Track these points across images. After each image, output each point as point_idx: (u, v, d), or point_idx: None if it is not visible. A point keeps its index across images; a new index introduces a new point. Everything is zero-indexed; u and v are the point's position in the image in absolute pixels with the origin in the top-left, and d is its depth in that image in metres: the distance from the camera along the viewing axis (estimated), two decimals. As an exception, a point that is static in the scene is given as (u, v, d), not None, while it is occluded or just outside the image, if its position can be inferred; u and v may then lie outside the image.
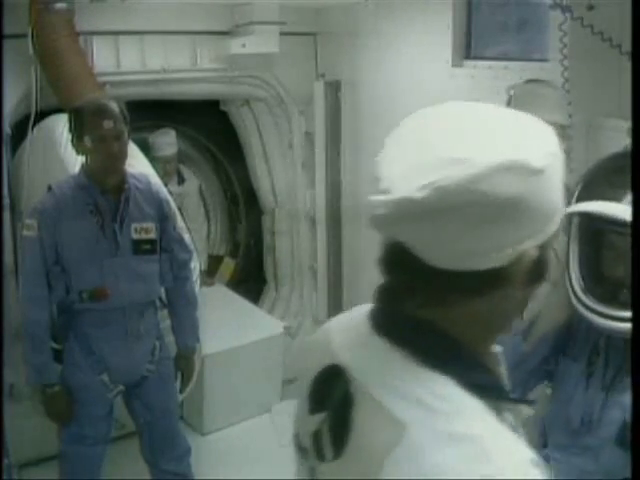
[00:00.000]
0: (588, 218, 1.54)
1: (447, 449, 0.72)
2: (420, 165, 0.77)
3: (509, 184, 0.74)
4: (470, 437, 0.73)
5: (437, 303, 0.82)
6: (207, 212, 5.24)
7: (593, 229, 1.55)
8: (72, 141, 2.43)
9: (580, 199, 1.56)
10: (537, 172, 0.75)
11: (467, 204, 0.74)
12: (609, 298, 1.50)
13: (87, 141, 2.35)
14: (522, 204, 0.75)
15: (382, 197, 0.78)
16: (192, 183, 4.74)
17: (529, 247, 0.78)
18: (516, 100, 2.20)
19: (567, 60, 2.24)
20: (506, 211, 0.74)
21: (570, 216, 1.56)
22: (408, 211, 0.75)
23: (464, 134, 0.79)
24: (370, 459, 0.77)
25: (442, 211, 0.74)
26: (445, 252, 0.77)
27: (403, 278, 0.85)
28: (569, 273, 1.57)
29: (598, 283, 1.54)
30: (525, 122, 0.83)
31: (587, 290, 1.53)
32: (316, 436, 0.87)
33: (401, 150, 0.83)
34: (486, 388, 0.80)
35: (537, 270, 0.81)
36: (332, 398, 0.85)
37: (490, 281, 0.79)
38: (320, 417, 0.87)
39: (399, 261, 0.83)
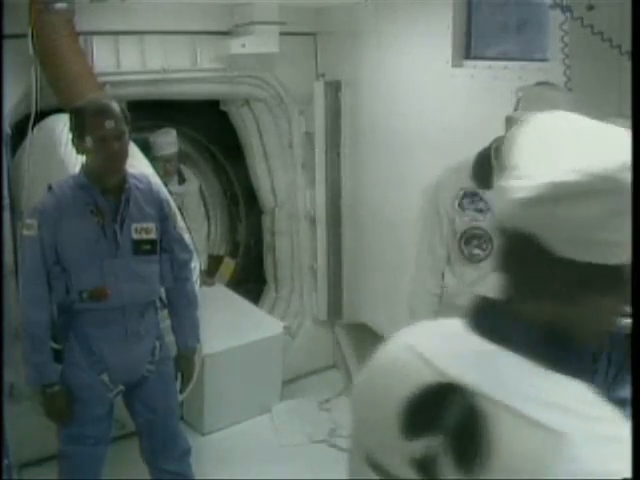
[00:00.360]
0: None
1: (606, 453, 0.72)
2: (560, 157, 0.78)
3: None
4: (620, 439, 0.73)
5: (563, 301, 0.80)
6: (207, 212, 5.24)
7: None
8: (73, 141, 2.43)
9: None
10: None
11: (612, 191, 0.75)
12: None
13: (88, 141, 2.35)
14: None
15: (520, 182, 0.78)
16: (192, 183, 4.74)
17: None
18: (524, 102, 2.19)
19: (568, 59, 2.24)
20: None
21: None
22: (552, 195, 0.75)
23: (585, 143, 0.80)
24: (521, 471, 0.75)
25: (588, 196, 0.75)
26: (581, 241, 0.77)
27: (529, 274, 0.82)
28: None
29: None
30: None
31: None
32: (424, 461, 0.82)
33: (534, 148, 0.83)
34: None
35: None
36: (449, 418, 0.81)
37: (615, 277, 0.79)
38: (427, 441, 0.82)
39: (526, 255, 0.80)
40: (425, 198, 2.41)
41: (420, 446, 0.83)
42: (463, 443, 0.80)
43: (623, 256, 0.77)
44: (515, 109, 2.22)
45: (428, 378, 0.85)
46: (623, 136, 0.82)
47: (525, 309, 0.82)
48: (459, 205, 2.28)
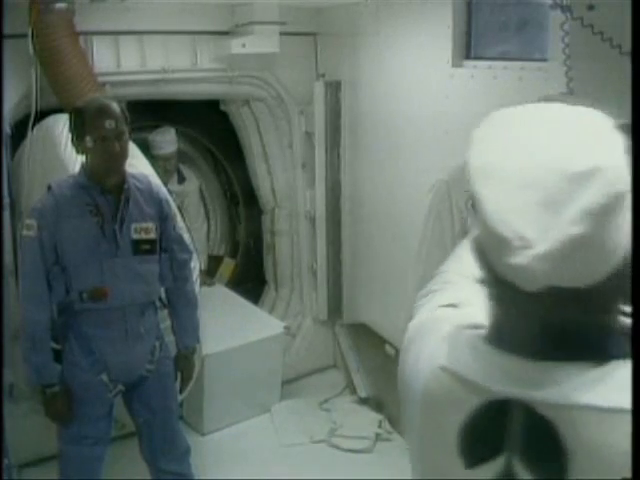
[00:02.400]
0: None
1: None
2: (540, 196, 0.73)
3: (627, 171, 0.74)
4: None
5: (597, 311, 0.80)
6: (207, 212, 5.25)
7: None
8: (73, 140, 2.43)
9: None
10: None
11: (619, 211, 0.72)
12: None
13: (88, 141, 2.35)
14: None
15: (530, 252, 0.72)
16: (192, 182, 4.74)
17: None
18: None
19: (570, 60, 2.24)
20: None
21: None
22: (569, 252, 0.71)
23: (556, 146, 0.76)
24: (611, 460, 0.74)
25: (603, 231, 0.71)
26: (598, 268, 0.74)
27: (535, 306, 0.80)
28: None
29: None
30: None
31: None
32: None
33: (506, 188, 0.76)
34: None
35: None
36: (513, 435, 0.80)
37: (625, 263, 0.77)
38: (495, 464, 0.81)
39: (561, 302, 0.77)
40: (437, 194, 2.37)
41: (486, 471, 0.82)
42: (538, 457, 0.79)
43: (627, 248, 0.76)
44: None
45: (473, 400, 0.83)
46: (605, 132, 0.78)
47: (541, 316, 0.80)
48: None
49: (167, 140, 4.39)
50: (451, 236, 2.33)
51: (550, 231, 0.71)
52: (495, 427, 0.81)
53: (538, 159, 0.75)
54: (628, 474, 0.72)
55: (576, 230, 0.70)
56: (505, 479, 0.81)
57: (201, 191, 4.99)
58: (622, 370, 0.77)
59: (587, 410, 0.76)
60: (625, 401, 0.74)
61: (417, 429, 0.93)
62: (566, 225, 0.70)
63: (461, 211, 2.30)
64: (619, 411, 0.74)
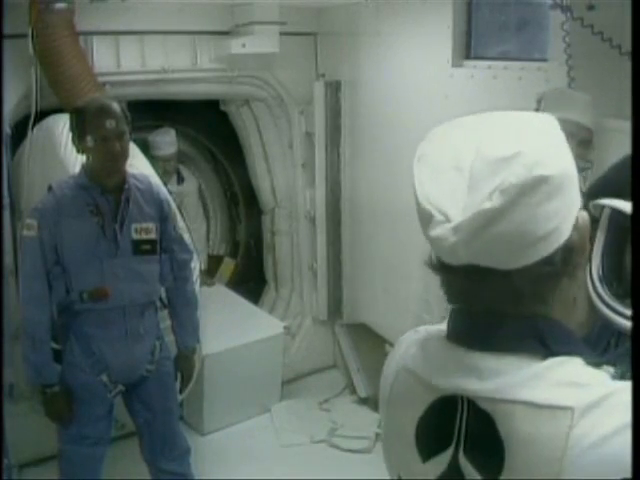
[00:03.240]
0: (622, 215, 1.54)
1: (601, 415, 0.75)
2: (463, 182, 0.78)
3: (557, 161, 0.78)
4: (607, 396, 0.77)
5: (528, 299, 0.82)
6: (207, 212, 5.25)
7: (624, 226, 1.54)
8: (73, 140, 2.43)
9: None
10: (567, 148, 0.81)
11: (534, 193, 0.75)
12: (624, 295, 1.49)
13: (89, 141, 2.35)
14: (569, 176, 0.79)
15: (447, 225, 0.78)
16: (191, 183, 4.74)
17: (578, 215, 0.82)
18: (546, 102, 2.20)
19: (570, 60, 2.24)
20: (563, 184, 0.77)
21: (602, 207, 1.55)
22: (480, 226, 0.75)
23: (489, 138, 0.81)
24: (541, 456, 0.77)
25: (515, 210, 0.75)
26: (520, 252, 0.77)
27: (481, 290, 0.83)
28: (590, 262, 1.56)
29: (616, 278, 1.53)
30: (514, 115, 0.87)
31: (604, 281, 1.52)
32: (450, 472, 0.85)
33: (436, 174, 0.84)
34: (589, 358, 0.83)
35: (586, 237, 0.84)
36: (457, 429, 0.84)
37: (564, 256, 0.80)
38: (442, 458, 0.85)
39: (474, 276, 0.81)
40: None
41: (437, 464, 0.85)
42: (479, 450, 0.82)
43: (560, 239, 0.78)
44: (536, 108, 2.22)
45: (427, 397, 0.87)
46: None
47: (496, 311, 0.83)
48: None
49: (167, 141, 4.39)
50: None
51: (468, 208, 0.77)
52: (445, 422, 0.85)
53: (468, 149, 0.81)
54: (559, 469, 0.75)
55: (487, 205, 0.75)
56: (452, 471, 0.84)
57: (200, 191, 4.99)
58: (561, 367, 0.80)
59: (523, 405, 0.78)
60: (559, 398, 0.77)
61: (383, 427, 1.00)
62: (480, 201, 0.75)
63: None
64: (553, 407, 0.77)
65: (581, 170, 2.15)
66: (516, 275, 0.79)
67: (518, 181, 0.74)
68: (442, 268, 0.83)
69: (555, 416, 0.76)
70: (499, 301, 0.82)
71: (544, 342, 0.82)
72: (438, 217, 0.79)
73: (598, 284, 1.52)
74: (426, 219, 0.81)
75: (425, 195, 0.83)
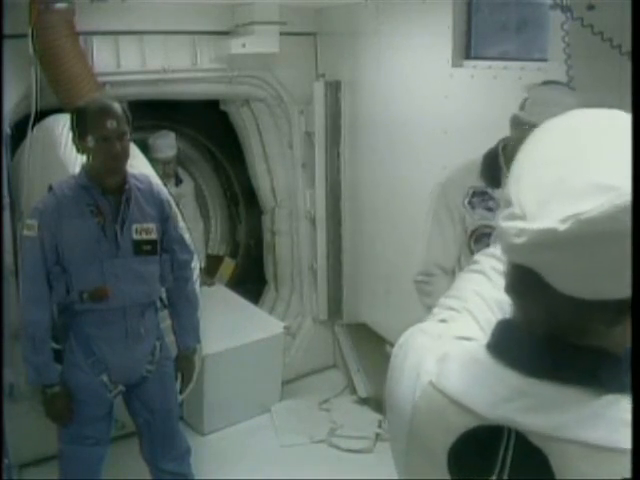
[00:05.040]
0: None
1: None
2: (559, 191, 0.73)
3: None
4: None
5: (598, 332, 0.77)
6: (207, 212, 5.25)
7: None
8: (74, 140, 2.43)
9: None
10: None
11: (613, 235, 0.70)
12: None
13: (89, 141, 2.34)
14: None
15: (520, 224, 0.74)
16: (188, 184, 4.75)
17: None
18: (531, 103, 2.15)
19: (570, 60, 2.24)
20: None
21: None
22: (547, 242, 0.72)
23: (598, 154, 0.75)
24: None
25: (585, 242, 0.70)
26: (584, 281, 0.73)
27: (536, 304, 0.79)
28: None
29: None
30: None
31: None
32: None
33: (534, 171, 0.78)
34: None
35: None
36: (501, 463, 0.79)
37: (621, 308, 0.74)
38: None
39: (532, 286, 0.77)
40: (433, 197, 2.39)
41: None
42: None
43: (624, 291, 0.73)
44: (521, 108, 2.20)
45: (464, 421, 0.81)
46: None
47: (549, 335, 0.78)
48: (469, 203, 2.26)
49: (167, 144, 4.39)
50: (452, 236, 2.32)
51: (545, 218, 0.72)
52: (485, 450, 0.80)
53: (577, 156, 0.76)
54: None
55: (559, 227, 0.71)
56: None
57: (196, 192, 5.00)
58: (617, 406, 0.76)
59: (581, 445, 0.74)
60: (619, 440, 0.73)
61: (403, 443, 0.91)
62: (556, 220, 0.71)
63: (459, 210, 2.29)
64: (611, 450, 0.73)
65: None
66: (592, 307, 0.74)
67: (597, 215, 0.69)
68: (519, 284, 0.79)
69: (615, 458, 0.72)
70: (566, 328, 0.77)
71: (603, 377, 0.77)
72: (516, 210, 0.75)
73: None
74: (506, 204, 0.78)
75: (516, 182, 0.79)
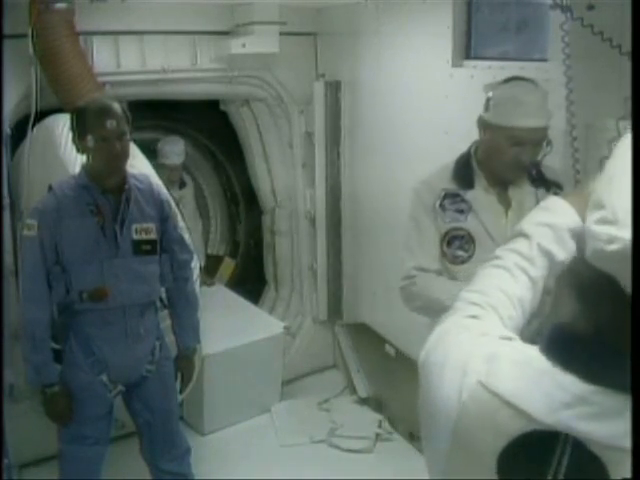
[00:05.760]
0: None
1: None
2: None
3: None
4: None
5: None
6: (207, 212, 5.25)
7: None
8: (74, 140, 2.43)
9: None
10: None
11: None
12: None
13: (89, 141, 2.35)
14: None
15: (612, 230, 0.71)
16: (189, 186, 4.76)
17: None
18: (494, 103, 2.15)
19: (569, 59, 2.23)
20: None
21: None
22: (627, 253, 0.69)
23: None
24: None
25: None
26: None
27: (608, 310, 0.77)
28: None
29: None
30: None
31: None
32: None
33: (627, 174, 0.74)
34: None
35: None
36: (559, 466, 0.77)
37: None
38: None
39: (606, 297, 0.75)
40: (410, 202, 2.38)
41: None
42: None
43: None
44: (485, 109, 2.20)
45: (517, 425, 0.79)
46: None
47: (614, 342, 0.76)
48: (440, 206, 2.25)
49: (175, 151, 4.40)
50: (431, 236, 2.28)
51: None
52: (538, 455, 0.78)
53: None
54: None
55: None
56: None
57: (195, 191, 5.00)
58: None
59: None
60: None
61: (446, 444, 0.88)
62: None
63: (433, 213, 2.27)
64: None
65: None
66: None
67: None
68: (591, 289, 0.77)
69: None
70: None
71: None
72: (608, 214, 0.73)
73: None
74: (595, 207, 0.75)
75: (608, 183, 0.76)
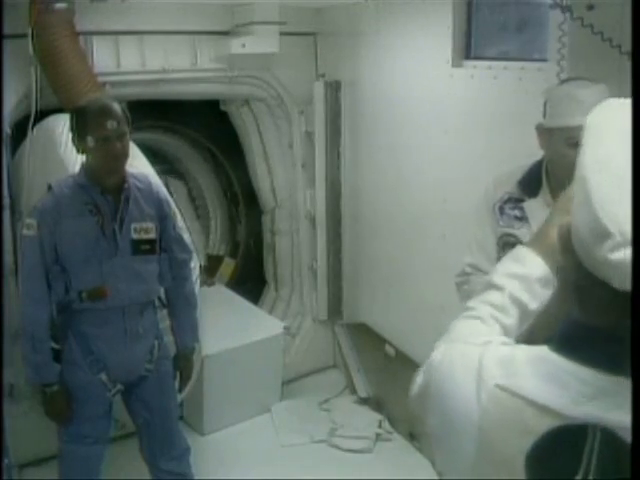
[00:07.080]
0: None
1: None
2: None
3: None
4: None
5: None
6: (207, 212, 5.25)
7: None
8: (74, 140, 2.43)
9: None
10: None
11: None
12: None
13: (89, 141, 2.35)
14: None
15: (629, 250, 0.69)
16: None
17: None
18: (551, 105, 2.06)
19: (565, 61, 2.23)
20: None
21: None
22: None
23: None
24: None
25: None
26: None
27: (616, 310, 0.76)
28: None
29: None
30: None
31: None
32: None
33: (620, 188, 0.72)
34: None
35: None
36: (590, 459, 0.77)
37: None
38: None
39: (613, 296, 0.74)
40: (480, 197, 2.33)
41: None
42: None
43: None
44: (543, 115, 2.09)
45: (543, 423, 0.79)
46: None
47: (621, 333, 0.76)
48: (500, 208, 2.21)
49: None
50: (491, 236, 2.24)
51: None
52: (567, 451, 0.78)
53: None
54: None
55: None
56: None
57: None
58: None
59: None
60: None
61: (471, 450, 0.87)
62: None
63: (494, 214, 2.23)
64: None
65: None
66: None
67: None
68: (596, 286, 0.76)
69: None
70: None
71: None
72: (618, 238, 0.70)
73: None
74: (601, 236, 0.71)
75: (605, 208, 0.72)
